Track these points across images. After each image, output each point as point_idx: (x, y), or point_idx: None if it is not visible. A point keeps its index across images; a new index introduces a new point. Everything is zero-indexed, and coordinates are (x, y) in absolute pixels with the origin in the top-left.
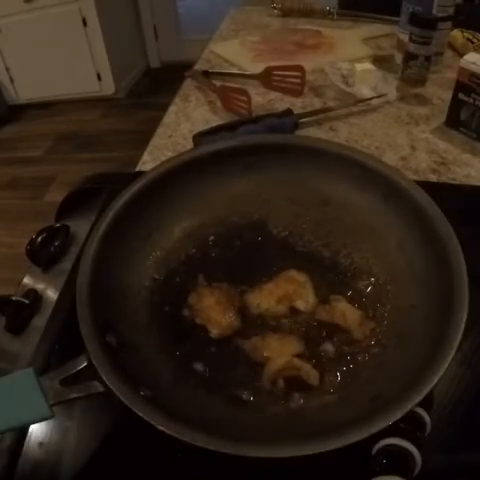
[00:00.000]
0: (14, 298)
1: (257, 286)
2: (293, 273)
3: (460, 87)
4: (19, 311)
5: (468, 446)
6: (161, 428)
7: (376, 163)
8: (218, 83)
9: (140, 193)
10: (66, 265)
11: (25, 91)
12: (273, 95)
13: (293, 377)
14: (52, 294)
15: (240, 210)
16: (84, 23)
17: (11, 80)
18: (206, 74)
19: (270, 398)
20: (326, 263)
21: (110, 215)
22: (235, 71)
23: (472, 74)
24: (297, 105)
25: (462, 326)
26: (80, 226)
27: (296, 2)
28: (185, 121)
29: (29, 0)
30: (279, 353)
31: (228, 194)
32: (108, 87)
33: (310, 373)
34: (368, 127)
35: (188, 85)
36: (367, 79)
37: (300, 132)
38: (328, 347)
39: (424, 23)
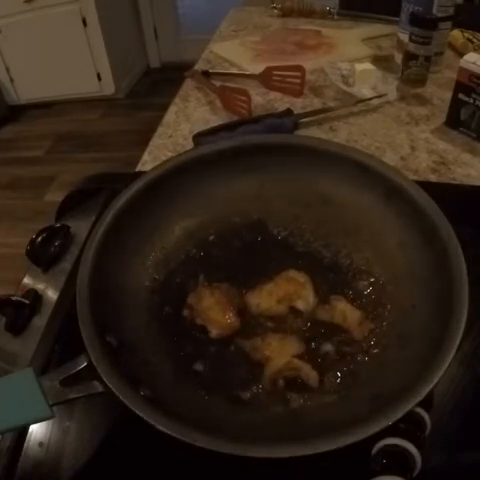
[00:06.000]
0: (14, 298)
1: (257, 286)
2: (293, 273)
3: (460, 87)
4: (19, 311)
5: (468, 446)
6: (161, 428)
7: (376, 163)
8: (218, 83)
9: (140, 193)
10: (66, 265)
11: (25, 91)
12: (273, 95)
13: (293, 377)
14: (52, 294)
15: (240, 210)
16: (84, 23)
17: (11, 80)
18: (206, 74)
19: (270, 398)
20: (326, 263)
21: (110, 215)
22: (235, 71)
23: (472, 74)
24: (297, 105)
25: (462, 326)
26: (80, 226)
27: (296, 2)
28: (185, 121)
29: (29, 0)
30: (279, 353)
31: (228, 194)
32: (108, 87)
33: (310, 374)
34: (368, 127)
35: (188, 85)
36: (367, 79)
37: (300, 132)
38: (328, 347)
39: (424, 23)
